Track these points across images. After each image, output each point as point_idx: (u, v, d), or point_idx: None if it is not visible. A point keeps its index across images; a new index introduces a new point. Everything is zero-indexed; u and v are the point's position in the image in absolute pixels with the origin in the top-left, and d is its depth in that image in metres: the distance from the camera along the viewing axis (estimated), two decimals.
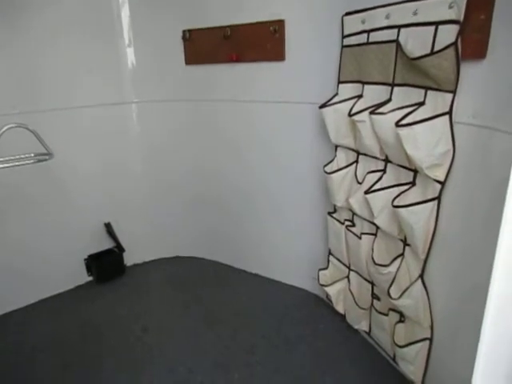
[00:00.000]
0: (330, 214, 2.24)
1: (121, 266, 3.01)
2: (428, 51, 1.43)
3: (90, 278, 2.91)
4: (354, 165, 2.01)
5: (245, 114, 2.60)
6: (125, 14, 2.65)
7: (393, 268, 1.77)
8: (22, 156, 1.88)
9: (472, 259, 1.42)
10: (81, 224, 2.79)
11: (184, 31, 2.63)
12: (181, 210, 3.10)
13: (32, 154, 1.91)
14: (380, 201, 1.74)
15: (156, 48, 2.75)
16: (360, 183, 1.95)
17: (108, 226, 2.90)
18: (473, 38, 1.32)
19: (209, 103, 2.74)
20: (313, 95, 2.21)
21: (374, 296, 2.04)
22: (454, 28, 1.35)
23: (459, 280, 1.51)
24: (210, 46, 2.56)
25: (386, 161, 1.80)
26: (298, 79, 2.29)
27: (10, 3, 2.24)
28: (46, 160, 1.90)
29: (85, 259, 2.86)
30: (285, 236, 2.71)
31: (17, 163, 1.83)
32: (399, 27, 1.58)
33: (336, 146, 2.10)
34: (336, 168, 2.07)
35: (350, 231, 2.06)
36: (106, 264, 2.92)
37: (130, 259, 3.08)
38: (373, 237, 1.94)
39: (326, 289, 2.34)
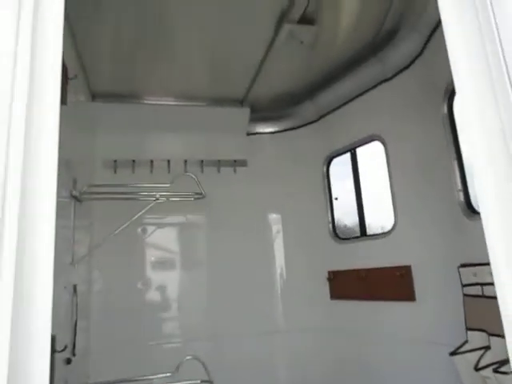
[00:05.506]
0: None
1: None
2: None
3: None
4: None
5: (387, 350, 2.68)
6: (279, 249, 3.42)
7: None
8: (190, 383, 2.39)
9: None
10: None
11: (329, 272, 3.15)
12: None
13: (198, 381, 2.41)
14: None
15: (304, 282, 3.29)
16: None
17: None
18: None
19: (352, 336, 2.94)
20: (444, 336, 2.21)
21: None
22: None
23: None
24: (349, 285, 2.97)
25: None
26: (427, 319, 2.38)
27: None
28: None
29: None
30: None
31: None
32: None
33: None
34: None
35: None
36: None
37: None
38: None
39: None
